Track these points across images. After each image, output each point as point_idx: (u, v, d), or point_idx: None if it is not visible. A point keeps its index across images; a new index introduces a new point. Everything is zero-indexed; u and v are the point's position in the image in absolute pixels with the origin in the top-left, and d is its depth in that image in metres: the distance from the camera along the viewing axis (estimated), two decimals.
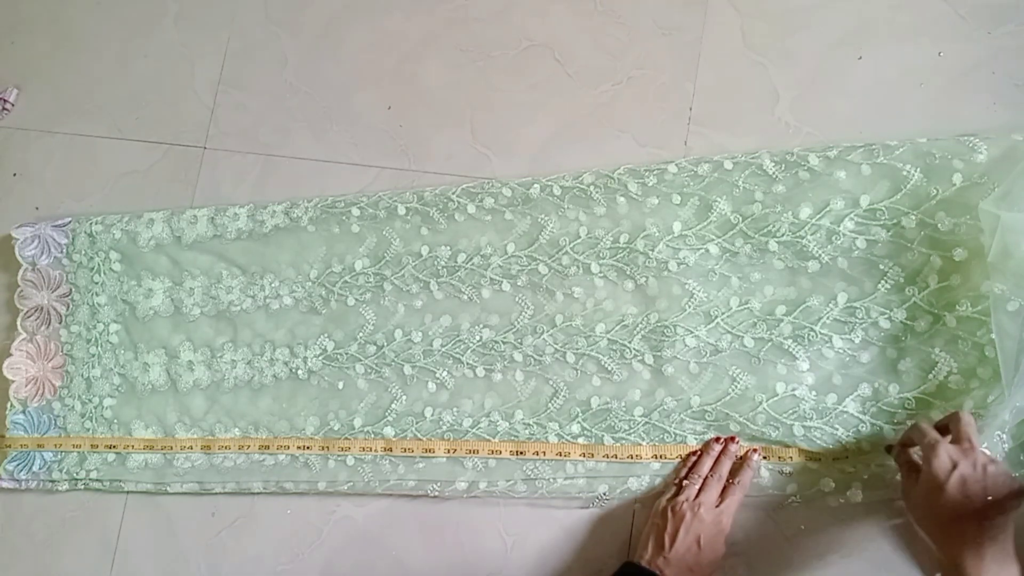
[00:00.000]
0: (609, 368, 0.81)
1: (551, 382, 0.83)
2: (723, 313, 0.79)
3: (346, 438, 0.86)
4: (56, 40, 1.05)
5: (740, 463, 0.76)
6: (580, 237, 0.84)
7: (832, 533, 0.74)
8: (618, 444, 0.80)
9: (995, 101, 0.79)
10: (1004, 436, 0.69)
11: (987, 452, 0.63)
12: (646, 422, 0.79)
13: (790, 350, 0.77)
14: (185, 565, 0.89)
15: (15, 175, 1.02)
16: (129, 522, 0.91)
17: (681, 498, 0.73)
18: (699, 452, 0.77)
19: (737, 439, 0.77)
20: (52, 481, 0.92)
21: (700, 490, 0.74)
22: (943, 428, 0.66)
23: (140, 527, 0.91)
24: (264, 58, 0.98)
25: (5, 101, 1.03)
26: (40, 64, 1.04)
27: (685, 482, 0.75)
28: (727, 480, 0.75)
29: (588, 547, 0.80)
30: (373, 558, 0.85)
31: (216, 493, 0.89)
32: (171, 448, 0.90)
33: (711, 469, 0.75)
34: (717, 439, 0.77)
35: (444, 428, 0.84)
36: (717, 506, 0.73)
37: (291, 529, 0.87)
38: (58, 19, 1.05)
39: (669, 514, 0.73)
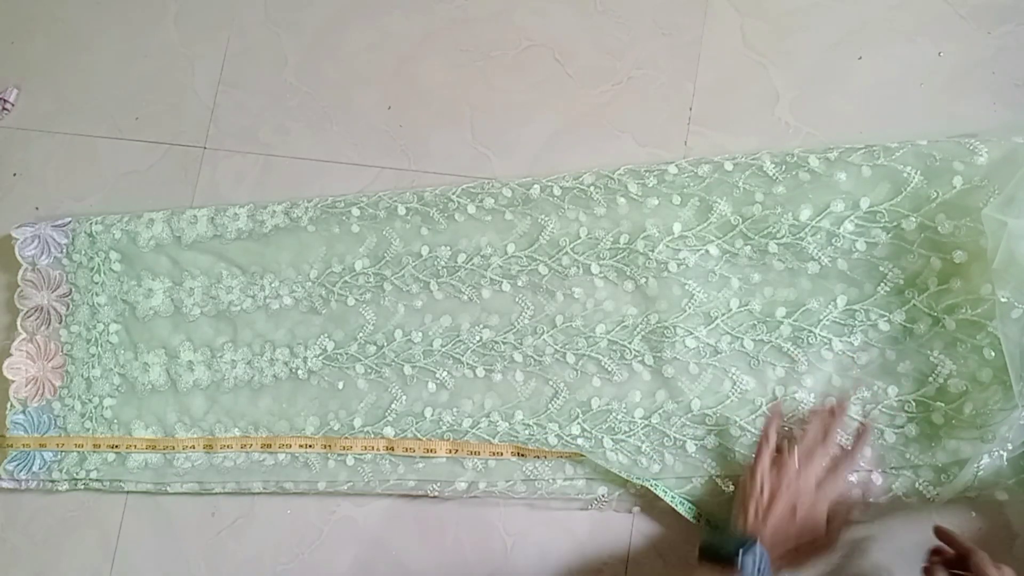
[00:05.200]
0: (609, 369, 0.81)
1: (551, 383, 0.83)
2: (723, 314, 0.79)
3: (346, 437, 0.86)
4: (56, 40, 1.05)
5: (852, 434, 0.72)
6: (580, 237, 0.84)
7: None
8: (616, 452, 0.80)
9: (995, 101, 0.79)
10: (1008, 445, 0.68)
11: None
12: (646, 424, 0.79)
13: (789, 352, 0.77)
14: (185, 565, 0.89)
15: (15, 175, 1.02)
16: (129, 522, 0.91)
17: (776, 466, 0.69)
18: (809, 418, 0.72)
19: (846, 407, 0.72)
20: (52, 481, 0.92)
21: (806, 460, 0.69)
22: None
23: (140, 527, 0.91)
24: (264, 58, 0.98)
25: (5, 101, 1.02)
26: (40, 64, 1.04)
27: (788, 455, 0.69)
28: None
29: (588, 547, 0.80)
30: (373, 558, 0.85)
31: (216, 493, 0.89)
32: (174, 448, 0.91)
33: (820, 437, 0.70)
34: (828, 409, 0.72)
35: (444, 428, 0.84)
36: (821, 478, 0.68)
37: (291, 529, 0.87)
38: (58, 19, 1.05)
39: (762, 482, 0.68)
